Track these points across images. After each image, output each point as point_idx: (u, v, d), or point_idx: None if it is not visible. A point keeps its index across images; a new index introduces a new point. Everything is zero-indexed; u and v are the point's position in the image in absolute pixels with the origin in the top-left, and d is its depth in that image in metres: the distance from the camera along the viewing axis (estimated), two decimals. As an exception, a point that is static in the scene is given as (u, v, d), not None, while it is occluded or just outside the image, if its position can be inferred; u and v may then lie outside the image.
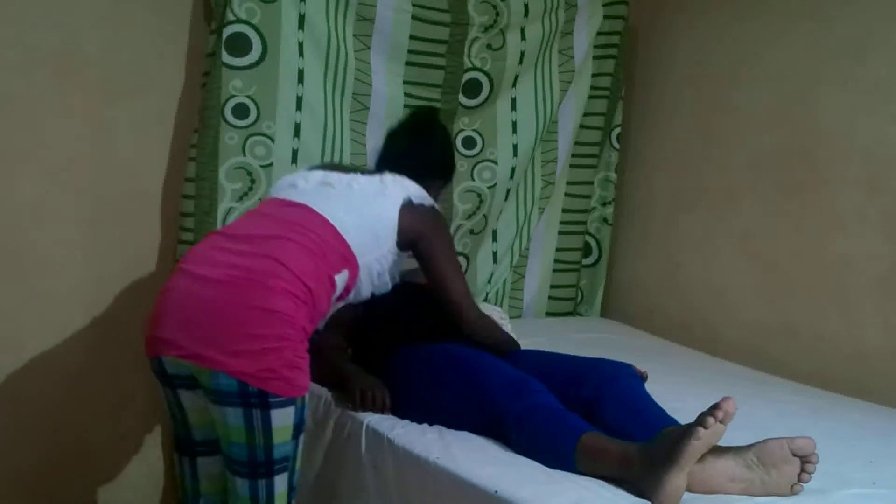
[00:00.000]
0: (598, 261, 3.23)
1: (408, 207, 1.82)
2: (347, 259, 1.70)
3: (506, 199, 2.96)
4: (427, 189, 1.93)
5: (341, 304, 1.80)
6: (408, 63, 2.61)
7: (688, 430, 1.37)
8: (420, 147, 2.03)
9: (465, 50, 2.68)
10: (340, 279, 1.69)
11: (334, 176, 1.84)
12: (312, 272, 1.60)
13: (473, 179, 2.83)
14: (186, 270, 1.58)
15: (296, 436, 1.57)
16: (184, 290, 1.55)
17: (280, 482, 1.56)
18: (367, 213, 1.77)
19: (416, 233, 1.84)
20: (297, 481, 1.64)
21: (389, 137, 2.11)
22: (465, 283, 1.95)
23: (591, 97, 3.06)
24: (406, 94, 2.63)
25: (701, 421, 1.37)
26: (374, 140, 2.59)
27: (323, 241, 1.66)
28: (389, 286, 1.89)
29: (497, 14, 2.70)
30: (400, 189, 1.84)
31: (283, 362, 1.49)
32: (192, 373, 1.53)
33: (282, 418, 1.51)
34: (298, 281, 1.55)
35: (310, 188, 1.81)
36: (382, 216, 1.79)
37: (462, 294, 1.92)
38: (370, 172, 1.92)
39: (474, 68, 2.72)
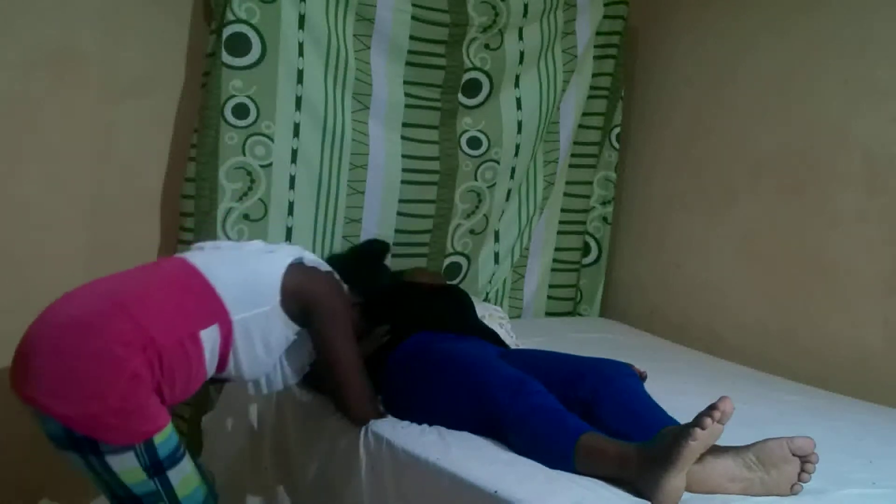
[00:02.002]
0: (597, 260, 3.23)
1: (297, 266, 1.69)
2: (216, 313, 1.59)
3: (507, 199, 2.96)
4: (357, 298, 1.89)
5: (223, 375, 1.68)
6: (408, 63, 2.61)
7: (685, 431, 1.37)
8: (352, 265, 2.02)
9: (464, 49, 2.68)
10: (209, 337, 1.57)
11: (230, 243, 1.82)
12: (161, 320, 1.52)
13: (476, 180, 2.83)
14: (42, 316, 1.55)
15: (155, 474, 1.48)
16: (29, 333, 1.52)
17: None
18: (247, 267, 1.66)
19: (307, 297, 1.68)
20: (206, 495, 1.59)
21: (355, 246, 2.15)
22: (354, 368, 1.75)
23: (590, 97, 3.07)
24: (406, 94, 2.63)
25: (698, 422, 1.37)
26: (377, 141, 2.59)
27: (185, 291, 1.59)
28: (293, 375, 1.77)
29: (496, 14, 2.70)
30: (293, 250, 1.73)
31: (106, 409, 1.42)
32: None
33: (121, 463, 1.45)
34: (137, 326, 1.48)
35: (199, 249, 1.75)
36: (263, 271, 1.66)
37: (356, 397, 1.75)
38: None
39: (474, 68, 2.72)
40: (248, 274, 1.65)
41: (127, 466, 1.46)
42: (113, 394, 1.43)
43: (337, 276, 1.80)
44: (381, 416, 1.79)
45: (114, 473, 1.46)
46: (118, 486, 1.48)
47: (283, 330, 1.69)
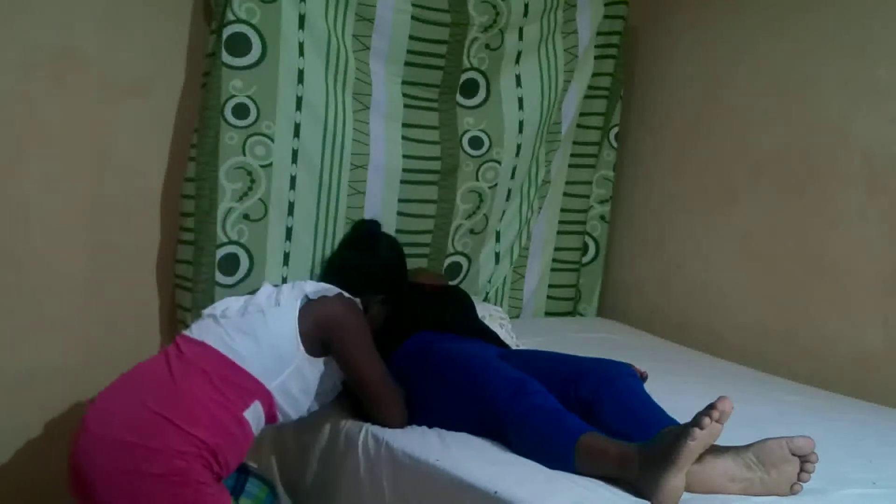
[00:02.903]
0: (594, 259, 3.24)
1: (306, 307, 1.72)
2: (252, 391, 1.65)
3: (507, 198, 2.96)
4: (366, 304, 1.86)
5: (278, 423, 1.77)
6: (407, 63, 2.60)
7: (684, 431, 1.37)
8: (359, 261, 1.95)
9: (465, 50, 2.68)
10: (252, 414, 1.64)
11: (235, 304, 1.78)
12: (206, 421, 1.58)
13: (478, 180, 2.83)
14: (89, 430, 1.60)
15: None
16: (84, 455, 1.58)
17: None
18: (263, 333, 1.69)
19: (323, 331, 1.73)
20: None
21: (337, 247, 2.01)
22: (382, 380, 1.80)
23: (590, 97, 3.06)
24: (405, 95, 2.63)
25: (697, 421, 1.37)
26: (377, 141, 2.59)
27: (220, 380, 1.62)
28: (332, 396, 1.83)
29: (497, 14, 2.70)
30: (296, 292, 1.74)
31: None
32: None
33: None
34: (188, 435, 1.54)
35: (210, 322, 1.75)
36: (279, 332, 1.69)
37: (378, 397, 1.79)
38: (275, 285, 1.84)
39: (472, 68, 2.72)
40: (267, 343, 1.68)
41: None
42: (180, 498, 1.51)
43: (343, 294, 1.81)
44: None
45: None
46: None
47: (315, 370, 1.74)
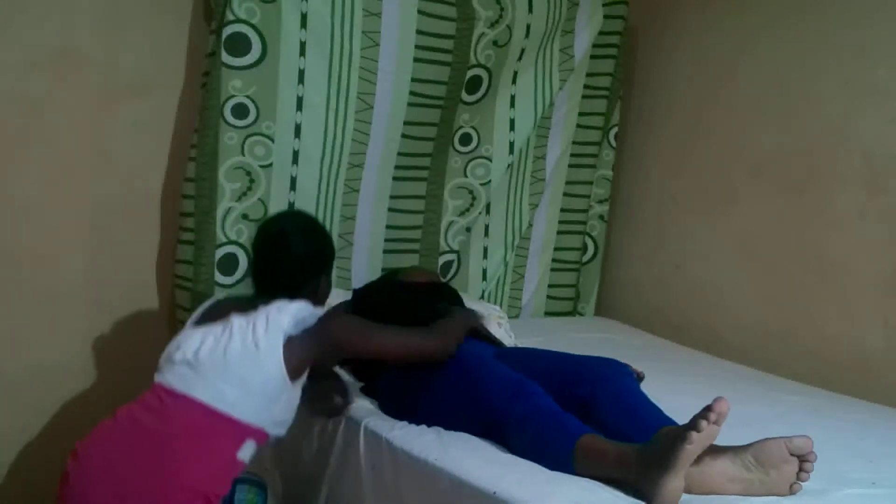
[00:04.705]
0: (593, 258, 3.24)
1: (289, 343, 1.66)
2: (244, 432, 1.63)
3: (505, 196, 2.96)
4: (314, 291, 1.84)
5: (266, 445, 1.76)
6: (416, 59, 2.58)
7: (681, 435, 1.37)
8: (279, 264, 1.86)
9: (472, 45, 2.68)
10: (246, 450, 1.63)
11: (208, 344, 1.67)
12: (207, 472, 1.56)
13: (466, 176, 2.83)
14: (76, 492, 1.55)
15: None
16: None
17: None
18: (251, 381, 1.64)
19: (327, 352, 1.74)
20: None
21: (254, 256, 1.91)
22: (405, 337, 1.83)
23: (590, 97, 3.06)
24: (411, 93, 2.61)
25: (693, 424, 1.37)
26: (377, 140, 2.59)
27: (210, 432, 1.60)
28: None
29: (502, 9, 2.70)
30: (274, 332, 1.67)
31: None
32: None
33: None
34: (185, 490, 1.53)
35: (188, 370, 1.66)
36: (266, 376, 1.64)
37: (414, 347, 1.82)
38: (245, 312, 1.72)
39: (478, 65, 2.72)
40: (255, 387, 1.64)
41: None
42: None
43: (320, 318, 1.75)
44: (453, 335, 1.87)
45: None
46: None
47: (298, 387, 1.72)
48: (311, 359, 1.70)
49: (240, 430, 1.62)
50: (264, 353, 1.63)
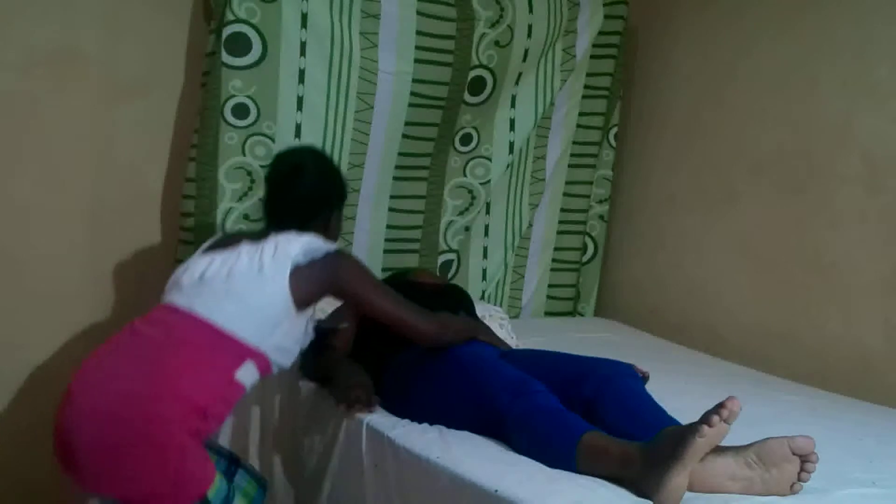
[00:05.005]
0: (593, 258, 3.24)
1: (297, 272, 1.69)
2: (245, 352, 1.63)
3: (504, 196, 2.96)
4: (324, 226, 1.85)
5: (269, 376, 1.76)
6: (416, 60, 2.59)
7: (692, 428, 1.37)
8: (293, 193, 1.86)
9: (473, 46, 2.67)
10: (246, 373, 1.63)
11: (215, 264, 1.72)
12: (196, 388, 1.56)
13: (465, 175, 2.83)
14: (74, 402, 1.56)
15: None
16: (70, 428, 1.54)
17: None
18: (253, 300, 1.66)
19: (323, 289, 1.74)
20: None
21: (266, 187, 1.92)
22: (404, 306, 1.82)
23: (591, 97, 3.07)
24: (412, 93, 2.61)
25: (706, 419, 1.37)
26: (377, 140, 2.59)
27: (208, 349, 1.61)
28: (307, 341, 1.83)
29: (502, 10, 2.70)
30: (282, 258, 1.70)
31: (159, 485, 1.50)
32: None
33: None
34: (177, 399, 1.53)
35: (192, 288, 1.70)
36: (270, 300, 1.67)
37: (408, 319, 1.81)
38: (255, 240, 1.76)
39: (480, 65, 2.71)
40: (257, 308, 1.66)
41: None
42: (166, 472, 1.50)
43: (331, 253, 1.76)
44: (452, 328, 1.89)
45: None
46: None
47: (303, 319, 1.74)
48: (315, 292, 1.72)
49: (239, 349, 1.62)
50: (268, 276, 1.67)
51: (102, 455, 1.51)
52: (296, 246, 1.71)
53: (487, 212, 2.96)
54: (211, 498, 1.54)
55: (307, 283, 1.69)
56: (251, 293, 1.66)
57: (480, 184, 2.86)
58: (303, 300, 1.69)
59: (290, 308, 1.67)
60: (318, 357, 1.98)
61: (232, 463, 1.79)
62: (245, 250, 1.72)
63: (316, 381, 2.00)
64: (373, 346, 2.06)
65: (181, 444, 1.51)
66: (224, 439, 2.21)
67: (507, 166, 2.90)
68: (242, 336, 1.63)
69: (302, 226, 1.78)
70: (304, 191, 1.85)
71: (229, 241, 1.80)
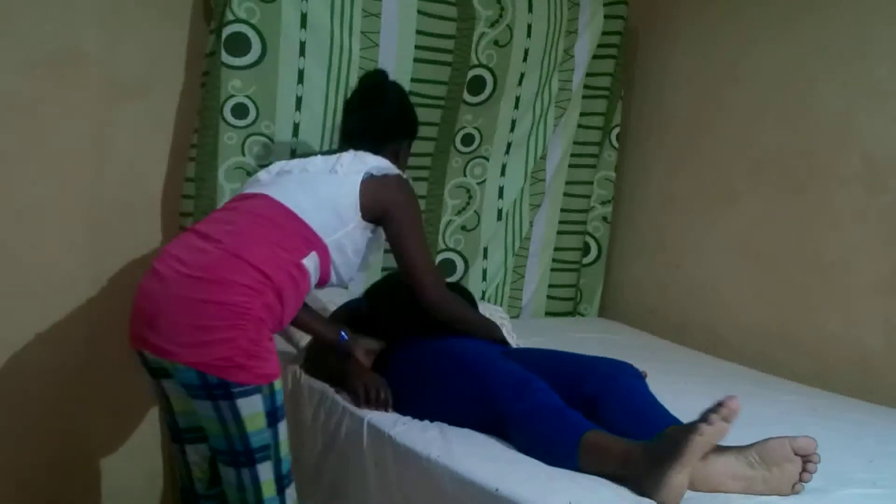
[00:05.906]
0: (596, 259, 3.23)
1: (369, 181, 1.81)
2: (311, 241, 1.72)
3: (500, 196, 2.96)
4: (395, 154, 1.96)
5: (325, 288, 1.86)
6: (416, 60, 2.58)
7: (692, 427, 1.38)
8: (373, 113, 1.99)
9: (473, 46, 2.67)
10: (311, 263, 1.71)
11: (293, 163, 1.89)
12: (271, 259, 1.63)
13: (465, 175, 2.83)
14: (156, 270, 1.64)
15: (271, 423, 1.60)
16: (149, 291, 1.61)
17: (264, 470, 1.60)
18: (325, 192, 1.78)
19: (381, 205, 1.83)
20: (288, 469, 1.67)
21: (344, 110, 2.08)
22: (429, 259, 1.94)
23: (590, 97, 3.06)
24: (411, 93, 2.60)
25: (705, 418, 1.37)
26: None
27: (280, 227, 1.70)
28: (363, 267, 1.93)
29: (502, 9, 2.69)
30: (358, 164, 1.83)
31: (238, 351, 1.53)
32: (165, 366, 1.60)
33: (249, 407, 1.55)
34: (254, 270, 1.59)
35: (269, 179, 1.86)
36: (340, 194, 1.79)
37: (424, 271, 1.88)
38: (331, 152, 1.93)
39: (479, 65, 2.71)
40: (327, 202, 1.77)
41: (253, 411, 1.56)
42: (243, 337, 1.53)
43: (401, 177, 1.90)
44: (448, 296, 1.95)
45: (241, 420, 1.55)
46: (239, 438, 1.57)
47: (366, 235, 1.83)
48: (374, 207, 1.81)
49: (308, 235, 1.72)
50: (342, 176, 1.80)
51: (188, 315, 1.54)
52: (372, 160, 1.85)
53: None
54: (276, 391, 1.59)
55: (373, 193, 1.80)
56: (324, 186, 1.79)
57: (477, 183, 2.86)
58: (367, 208, 1.79)
59: (356, 210, 1.78)
60: (324, 355, 1.99)
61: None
62: (321, 157, 1.87)
63: (323, 381, 2.00)
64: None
65: (259, 316, 1.56)
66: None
67: (503, 166, 2.90)
68: (311, 224, 1.72)
69: (376, 149, 1.90)
70: (384, 113, 1.99)
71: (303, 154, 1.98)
